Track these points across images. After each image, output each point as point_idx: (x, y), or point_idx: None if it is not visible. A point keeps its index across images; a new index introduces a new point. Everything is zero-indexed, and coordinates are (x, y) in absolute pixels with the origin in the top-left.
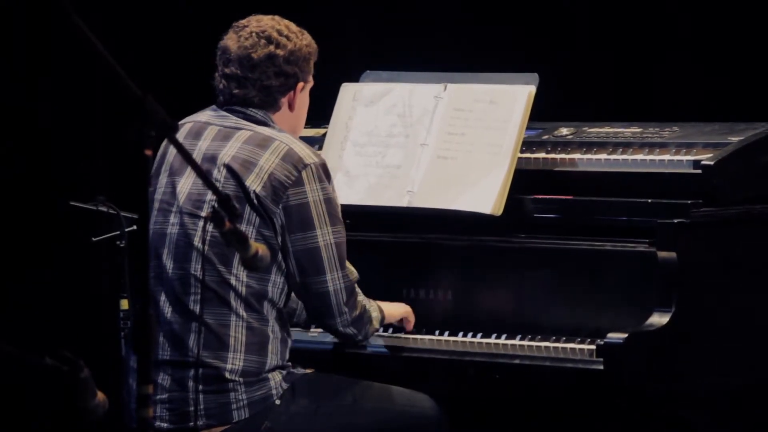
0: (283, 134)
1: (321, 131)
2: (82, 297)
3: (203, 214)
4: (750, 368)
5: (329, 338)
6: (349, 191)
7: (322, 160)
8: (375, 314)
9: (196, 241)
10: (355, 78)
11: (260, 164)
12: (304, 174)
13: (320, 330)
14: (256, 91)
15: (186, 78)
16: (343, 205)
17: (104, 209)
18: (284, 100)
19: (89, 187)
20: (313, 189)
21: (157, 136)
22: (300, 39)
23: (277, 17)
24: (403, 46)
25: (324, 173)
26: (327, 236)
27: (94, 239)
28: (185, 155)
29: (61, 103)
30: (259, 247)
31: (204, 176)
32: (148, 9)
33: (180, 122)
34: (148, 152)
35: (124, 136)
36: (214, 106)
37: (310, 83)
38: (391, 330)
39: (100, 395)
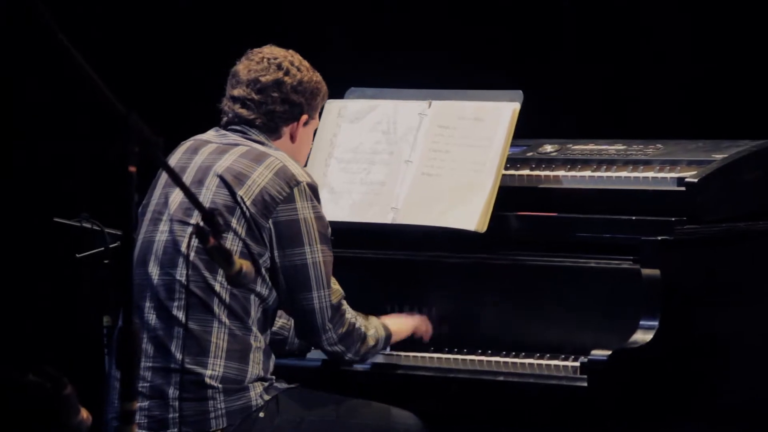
0: (279, 152)
1: None
2: (66, 313)
3: (193, 221)
4: (735, 386)
5: (318, 356)
6: (334, 208)
7: (315, 182)
8: (372, 332)
9: (183, 248)
10: (339, 95)
11: (253, 177)
12: (296, 191)
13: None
14: (260, 114)
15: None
16: None
17: (88, 226)
18: (286, 129)
19: (73, 204)
20: (304, 206)
21: (140, 153)
22: (311, 74)
23: (291, 51)
24: (388, 62)
25: (314, 194)
26: (316, 254)
27: (78, 256)
28: (169, 171)
29: (46, 119)
30: (243, 264)
31: (189, 193)
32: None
33: (183, 142)
34: (132, 169)
35: (108, 153)
36: (216, 127)
37: (316, 121)
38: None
39: (84, 412)
